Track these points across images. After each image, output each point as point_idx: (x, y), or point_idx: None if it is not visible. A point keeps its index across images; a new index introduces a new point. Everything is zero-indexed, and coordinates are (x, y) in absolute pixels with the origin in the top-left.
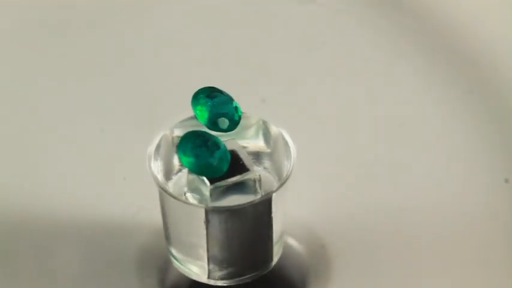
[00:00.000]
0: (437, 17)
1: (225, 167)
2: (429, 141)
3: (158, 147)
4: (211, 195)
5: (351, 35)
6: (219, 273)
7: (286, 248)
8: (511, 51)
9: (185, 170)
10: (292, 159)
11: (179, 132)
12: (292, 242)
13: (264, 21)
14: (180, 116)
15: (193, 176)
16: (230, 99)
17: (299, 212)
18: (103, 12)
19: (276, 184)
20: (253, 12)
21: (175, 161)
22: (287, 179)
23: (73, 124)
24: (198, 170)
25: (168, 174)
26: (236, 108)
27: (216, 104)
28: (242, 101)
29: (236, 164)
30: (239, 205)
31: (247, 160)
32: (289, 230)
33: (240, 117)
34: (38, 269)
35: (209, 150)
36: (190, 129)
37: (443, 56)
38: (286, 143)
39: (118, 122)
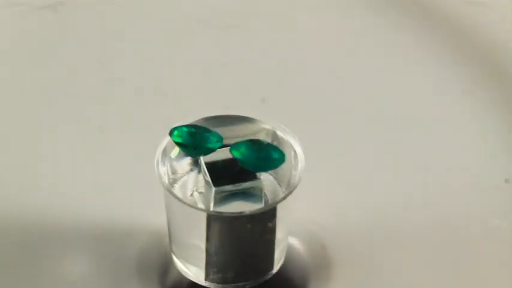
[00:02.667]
0: (439, 16)
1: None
2: (429, 141)
3: (165, 150)
4: (214, 198)
5: (352, 33)
6: (216, 277)
7: (287, 248)
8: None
9: (191, 173)
10: (299, 170)
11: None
12: (292, 242)
13: (264, 21)
14: (181, 118)
15: (202, 177)
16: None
17: (299, 212)
18: (104, 11)
19: (281, 192)
20: (253, 11)
21: (181, 164)
22: (294, 189)
23: (73, 124)
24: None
25: (173, 177)
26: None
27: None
28: (242, 101)
29: (245, 170)
30: (240, 212)
31: None
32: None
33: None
34: (37, 271)
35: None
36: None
37: (442, 56)
38: (295, 153)
39: (118, 122)
